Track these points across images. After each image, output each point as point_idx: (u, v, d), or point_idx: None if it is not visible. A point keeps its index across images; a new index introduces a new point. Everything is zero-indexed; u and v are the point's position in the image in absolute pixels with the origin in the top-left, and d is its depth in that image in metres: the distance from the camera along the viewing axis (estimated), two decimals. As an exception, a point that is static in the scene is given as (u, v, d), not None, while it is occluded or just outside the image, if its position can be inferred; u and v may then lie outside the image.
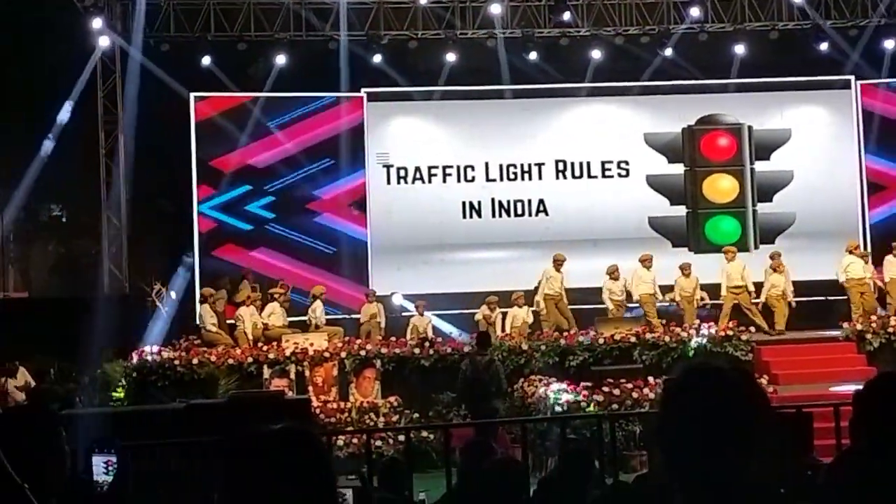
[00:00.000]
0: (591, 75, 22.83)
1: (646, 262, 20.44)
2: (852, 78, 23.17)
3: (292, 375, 17.53)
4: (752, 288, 20.29)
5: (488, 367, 15.09)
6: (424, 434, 15.22)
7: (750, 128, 23.18)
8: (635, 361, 17.55)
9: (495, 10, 21.73)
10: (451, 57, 22.30)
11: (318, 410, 16.54)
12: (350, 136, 22.46)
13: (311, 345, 17.86)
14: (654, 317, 19.75)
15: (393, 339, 18.69)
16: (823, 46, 22.56)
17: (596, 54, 22.62)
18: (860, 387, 3.52)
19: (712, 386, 2.49)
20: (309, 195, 22.31)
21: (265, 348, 18.06)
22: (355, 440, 15.43)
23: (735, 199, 23.20)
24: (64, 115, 20.92)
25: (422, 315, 19.99)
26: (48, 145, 20.92)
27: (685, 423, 2.44)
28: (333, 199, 22.40)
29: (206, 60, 21.55)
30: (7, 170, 21.84)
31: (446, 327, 20.46)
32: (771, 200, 23.14)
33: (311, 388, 17.39)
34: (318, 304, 19.74)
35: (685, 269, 20.62)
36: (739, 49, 22.63)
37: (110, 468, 5.00)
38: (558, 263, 20.19)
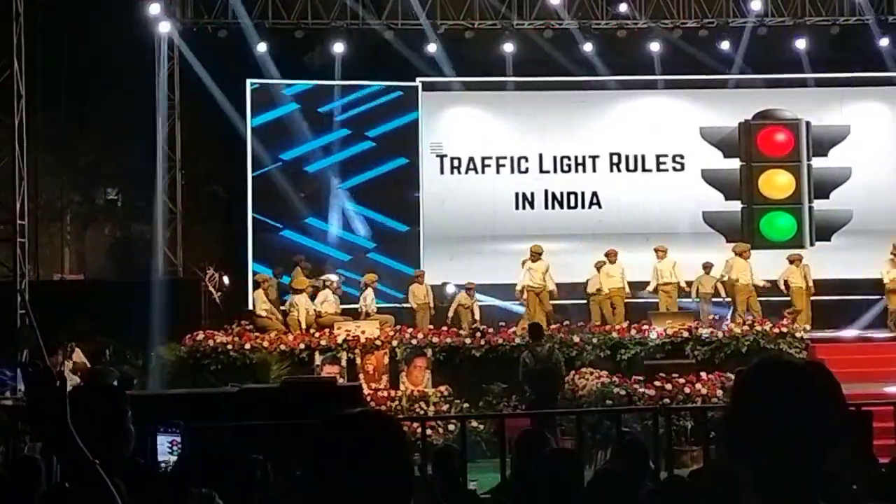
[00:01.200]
0: (648, 68, 22.70)
1: (611, 256, 20.48)
2: (913, 74, 22.87)
3: (343, 363, 17.60)
4: (683, 284, 20.27)
5: (550, 356, 15.09)
6: (474, 424, 15.22)
7: (808, 123, 22.94)
8: (687, 357, 17.44)
9: (553, 1, 21.65)
10: (507, 48, 22.27)
11: (368, 398, 16.58)
12: (405, 126, 22.50)
13: (363, 332, 17.91)
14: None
15: (444, 328, 18.69)
16: (884, 42, 22.30)
17: (653, 47, 22.49)
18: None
19: (788, 379, 2.46)
20: (362, 182, 22.37)
21: (317, 335, 18.13)
22: (406, 428, 15.45)
23: (791, 196, 22.98)
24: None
25: (472, 298, 20.02)
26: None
27: (759, 416, 2.41)
28: (387, 186, 22.46)
29: (263, 48, 21.67)
30: (70, 155, 22.15)
31: (489, 300, 20.42)
32: (828, 197, 22.89)
33: (361, 375, 17.44)
34: (369, 292, 19.80)
35: (706, 268, 20.61)
36: (799, 44, 22.40)
37: (174, 448, 5.05)
38: (536, 255, 20.05)
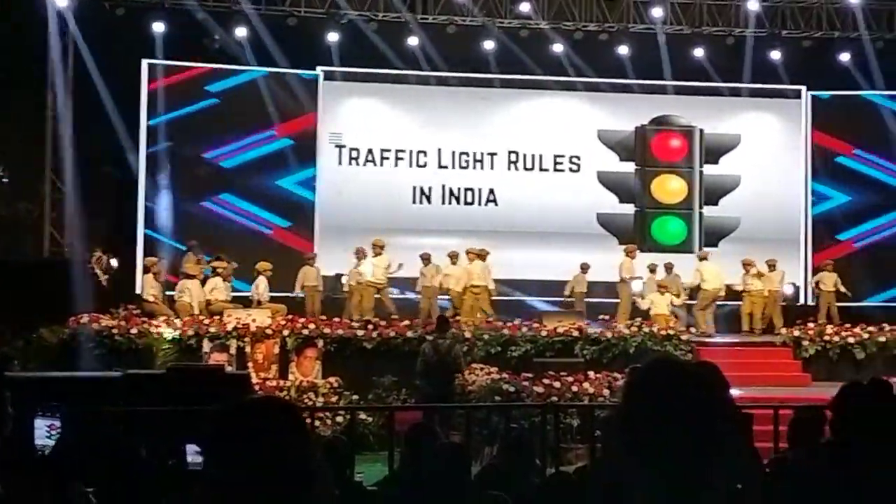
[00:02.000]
0: (548, 69, 22.87)
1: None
2: (803, 88, 23.42)
3: (233, 350, 17.37)
4: (492, 287, 20.53)
5: (450, 350, 15.05)
6: (363, 416, 15.17)
7: (701, 131, 23.39)
8: (576, 356, 17.61)
9: (458, -4, 21.70)
10: (411, 41, 22.22)
11: (257, 387, 16.39)
12: (304, 114, 22.32)
13: (254, 321, 17.70)
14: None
15: (336, 319, 18.58)
16: (777, 55, 22.79)
17: (555, 48, 22.65)
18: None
19: (680, 379, 2.47)
20: (258, 171, 22.12)
21: (206, 322, 17.86)
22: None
23: (682, 201, 23.42)
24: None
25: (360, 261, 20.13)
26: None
27: (650, 415, 2.41)
28: (281, 177, 22.26)
29: (161, 28, 21.27)
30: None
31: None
32: (717, 204, 23.36)
33: (251, 364, 17.23)
34: (261, 280, 19.55)
35: (584, 269, 21.16)
36: (697, 52, 22.78)
37: (53, 432, 4.90)
38: (378, 248, 20.26)
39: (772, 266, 20.90)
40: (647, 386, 2.50)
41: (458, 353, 15.35)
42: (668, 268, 21.12)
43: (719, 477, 2.40)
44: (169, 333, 17.35)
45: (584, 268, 21.10)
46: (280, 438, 2.32)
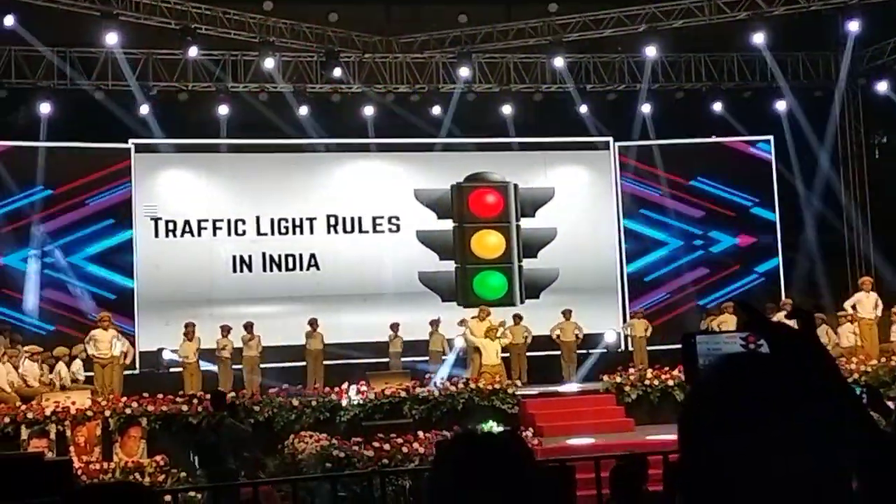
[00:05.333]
0: (363, 132, 23.12)
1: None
2: (611, 139, 24.27)
3: (52, 436, 16.80)
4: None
5: (218, 427, 14.50)
6: (192, 494, 14.85)
7: (516, 186, 23.92)
8: (405, 416, 17.68)
9: (268, 64, 21.71)
10: (222, 110, 22.15)
11: (80, 472, 15.87)
12: (117, 188, 21.93)
13: (73, 403, 17.16)
14: None
15: (160, 395, 18.14)
16: (583, 109, 23.57)
17: (367, 111, 22.91)
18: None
19: (481, 451, 2.55)
20: (73, 247, 21.58)
21: (23, 407, 17.22)
22: None
23: (502, 255, 23.86)
24: None
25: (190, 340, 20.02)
26: None
27: (455, 490, 2.49)
28: (98, 251, 21.76)
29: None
30: None
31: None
32: (536, 256, 23.88)
33: (72, 448, 16.70)
34: (61, 366, 18.94)
35: (516, 319, 21.53)
36: (506, 109, 23.38)
37: None
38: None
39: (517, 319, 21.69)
40: (447, 461, 2.57)
41: (228, 428, 14.17)
42: (517, 318, 21.58)
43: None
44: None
45: (395, 327, 21.42)
46: None
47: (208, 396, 17.80)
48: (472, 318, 20.74)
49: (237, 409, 15.70)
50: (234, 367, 20.35)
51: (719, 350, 3.12)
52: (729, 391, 1.81)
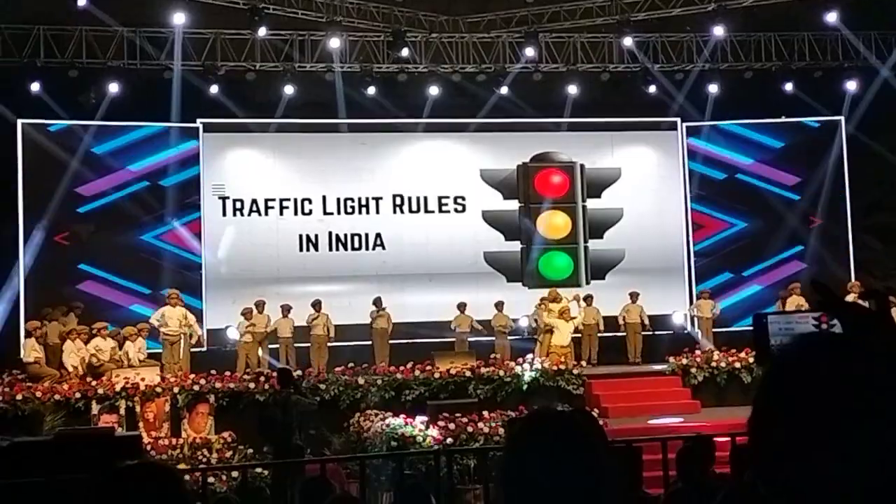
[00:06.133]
0: (429, 111, 23.09)
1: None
2: (678, 120, 24.02)
3: (122, 411, 17.07)
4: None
5: (285, 405, 14.63)
6: (259, 470, 14.99)
7: (582, 166, 23.78)
8: (470, 395, 17.70)
9: (334, 44, 21.76)
10: (289, 89, 22.23)
11: (149, 447, 16.11)
12: (186, 167, 22.14)
13: (143, 379, 17.42)
14: None
15: (227, 373, 18.35)
16: (652, 89, 23.33)
17: (433, 91, 22.89)
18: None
19: (556, 429, 2.52)
20: (141, 226, 21.82)
21: (94, 383, 17.50)
22: (188, 477, 15.06)
23: (568, 236, 23.75)
24: None
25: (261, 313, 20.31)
26: None
27: (532, 468, 2.47)
28: (169, 230, 21.99)
29: (36, 87, 20.93)
30: None
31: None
32: (602, 237, 23.75)
33: (141, 423, 16.96)
34: (128, 345, 19.18)
35: (588, 300, 21.51)
36: (572, 89, 23.22)
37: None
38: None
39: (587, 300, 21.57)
40: (524, 439, 2.56)
41: (293, 405, 14.37)
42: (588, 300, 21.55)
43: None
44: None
45: (461, 307, 21.39)
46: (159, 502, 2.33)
47: (273, 374, 18.02)
48: (543, 298, 20.78)
49: (301, 387, 15.81)
50: (298, 344, 20.51)
51: (792, 330, 3.03)
52: (808, 371, 1.75)
